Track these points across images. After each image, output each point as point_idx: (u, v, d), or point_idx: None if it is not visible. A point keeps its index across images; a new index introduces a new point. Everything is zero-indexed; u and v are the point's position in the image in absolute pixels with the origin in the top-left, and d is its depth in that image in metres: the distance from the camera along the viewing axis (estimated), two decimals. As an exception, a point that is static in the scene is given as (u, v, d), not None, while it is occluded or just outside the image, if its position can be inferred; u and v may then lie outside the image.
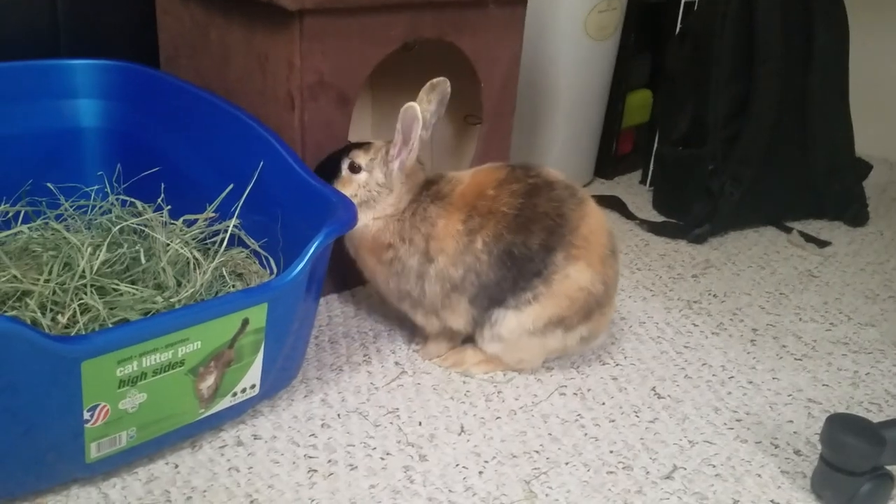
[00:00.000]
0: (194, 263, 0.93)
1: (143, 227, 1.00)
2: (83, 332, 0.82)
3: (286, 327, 0.81)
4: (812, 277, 1.36)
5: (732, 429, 0.94)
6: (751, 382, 1.04)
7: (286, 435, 0.86)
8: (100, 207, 1.10)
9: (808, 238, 1.50)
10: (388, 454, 0.85)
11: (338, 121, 1.07)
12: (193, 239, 0.99)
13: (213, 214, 1.01)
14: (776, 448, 0.91)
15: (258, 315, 0.77)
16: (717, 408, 0.98)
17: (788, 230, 1.54)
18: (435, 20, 1.11)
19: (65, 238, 0.96)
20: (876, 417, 0.96)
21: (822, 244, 1.49)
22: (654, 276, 1.33)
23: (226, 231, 0.97)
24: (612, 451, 0.88)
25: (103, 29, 1.26)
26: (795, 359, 1.10)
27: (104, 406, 0.69)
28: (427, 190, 0.97)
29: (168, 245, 0.94)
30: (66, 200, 1.08)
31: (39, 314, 0.82)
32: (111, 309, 0.86)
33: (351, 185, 0.97)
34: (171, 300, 0.88)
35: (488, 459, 0.85)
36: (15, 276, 0.86)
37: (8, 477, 0.70)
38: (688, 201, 1.51)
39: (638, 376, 1.03)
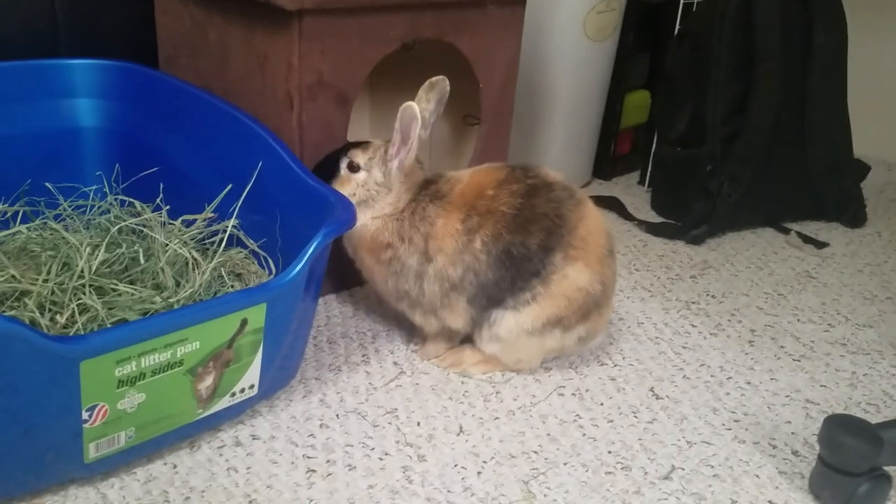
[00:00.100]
0: (193, 263, 0.93)
1: (141, 228, 1.00)
2: (82, 333, 0.82)
3: (285, 327, 0.81)
4: (810, 278, 1.37)
5: (730, 429, 0.94)
6: (749, 383, 1.04)
7: (285, 435, 0.86)
8: (98, 207, 1.10)
9: (806, 239, 1.50)
10: (386, 454, 0.85)
11: (336, 121, 1.07)
12: (192, 239, 0.99)
13: (212, 214, 1.01)
14: (774, 448, 0.91)
15: (257, 315, 0.77)
16: (716, 408, 0.98)
17: (786, 231, 1.54)
18: (434, 20, 1.11)
19: (63, 238, 0.96)
20: (874, 418, 0.96)
21: (820, 245, 1.49)
22: (652, 276, 1.33)
23: (224, 231, 0.97)
24: (610, 452, 0.88)
25: (102, 29, 1.26)
26: (793, 359, 1.10)
27: (103, 406, 0.69)
28: (426, 189, 0.97)
29: (167, 245, 0.94)
30: (65, 200, 1.08)
31: (38, 314, 0.82)
32: (110, 309, 0.86)
33: (349, 185, 0.97)
34: (170, 300, 0.88)
35: (487, 460, 0.85)
36: (13, 276, 0.86)
37: (7, 476, 0.70)
38: (686, 202, 1.51)
39: (636, 377, 1.03)
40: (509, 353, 0.98)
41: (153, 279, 0.92)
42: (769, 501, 0.83)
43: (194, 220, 1.01)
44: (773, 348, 1.13)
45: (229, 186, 1.00)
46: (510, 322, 0.94)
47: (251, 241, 0.99)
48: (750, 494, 0.83)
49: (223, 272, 0.95)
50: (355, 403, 0.93)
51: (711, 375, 1.05)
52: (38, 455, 0.69)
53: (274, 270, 0.97)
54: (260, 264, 0.99)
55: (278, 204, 0.96)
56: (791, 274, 1.38)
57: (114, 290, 0.88)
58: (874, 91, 1.96)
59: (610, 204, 1.61)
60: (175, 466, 0.80)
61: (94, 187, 1.12)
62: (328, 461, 0.83)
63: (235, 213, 0.98)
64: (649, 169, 1.73)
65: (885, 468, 0.81)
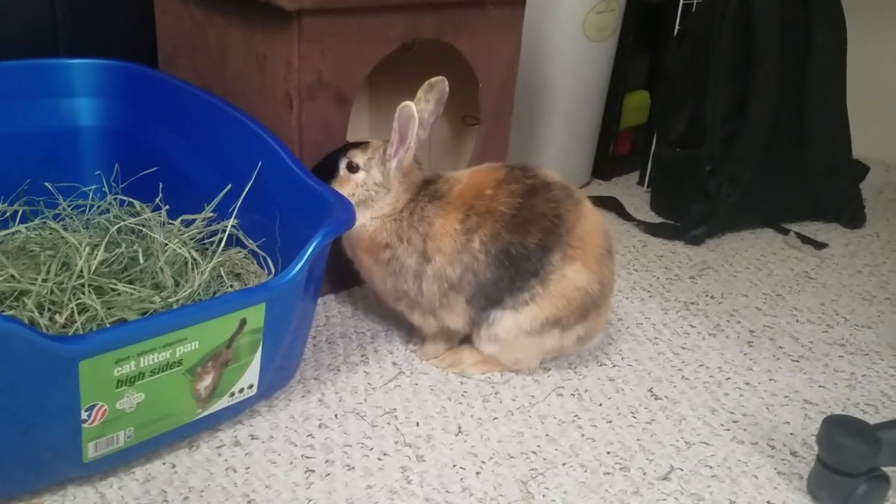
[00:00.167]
0: (192, 263, 0.93)
1: (140, 227, 0.99)
2: (81, 332, 0.82)
3: (284, 327, 0.81)
4: (809, 279, 1.37)
5: (729, 430, 0.94)
6: (747, 384, 1.04)
7: (283, 435, 0.86)
8: (98, 207, 1.10)
9: (805, 240, 1.50)
10: (385, 454, 0.85)
11: (336, 121, 1.07)
12: (191, 239, 0.99)
13: (211, 214, 1.01)
14: (773, 449, 0.91)
15: (256, 315, 0.77)
16: (714, 409, 0.98)
17: (785, 232, 1.54)
18: (433, 20, 1.11)
19: (62, 238, 0.96)
20: (872, 419, 0.96)
21: (819, 246, 1.49)
22: (651, 277, 1.34)
23: (224, 231, 0.97)
24: (609, 452, 0.88)
25: (102, 28, 1.26)
26: (792, 360, 1.10)
27: (101, 406, 0.69)
28: (425, 190, 0.97)
29: (166, 245, 0.94)
30: (64, 200, 1.08)
31: (37, 314, 0.82)
32: (109, 309, 0.86)
33: (348, 185, 0.97)
34: (169, 300, 0.88)
35: (485, 460, 0.85)
36: (12, 276, 0.86)
37: (6, 476, 0.70)
38: (685, 202, 1.51)
39: (635, 377, 1.03)
40: (508, 354, 0.98)
41: (152, 279, 0.92)
42: (767, 502, 0.83)
43: (193, 220, 1.01)
44: (772, 349, 1.13)
45: (228, 186, 1.00)
46: (509, 322, 0.94)
47: (250, 241, 0.99)
48: (748, 495, 0.83)
49: (222, 272, 0.95)
50: (354, 403, 0.93)
51: (710, 376, 1.05)
52: (36, 454, 0.69)
53: (273, 270, 0.97)
54: (259, 264, 0.99)
55: (277, 204, 0.96)
56: (790, 274, 1.38)
57: (113, 289, 0.88)
58: (873, 92, 1.96)
59: (609, 204, 1.61)
60: (174, 466, 0.80)
61: (94, 187, 1.12)
62: (327, 461, 0.83)
63: (235, 212, 0.98)
64: (648, 169, 1.73)
65: (884, 469, 0.81)
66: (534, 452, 0.87)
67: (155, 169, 1.08)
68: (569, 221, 0.93)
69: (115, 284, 0.89)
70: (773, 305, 1.26)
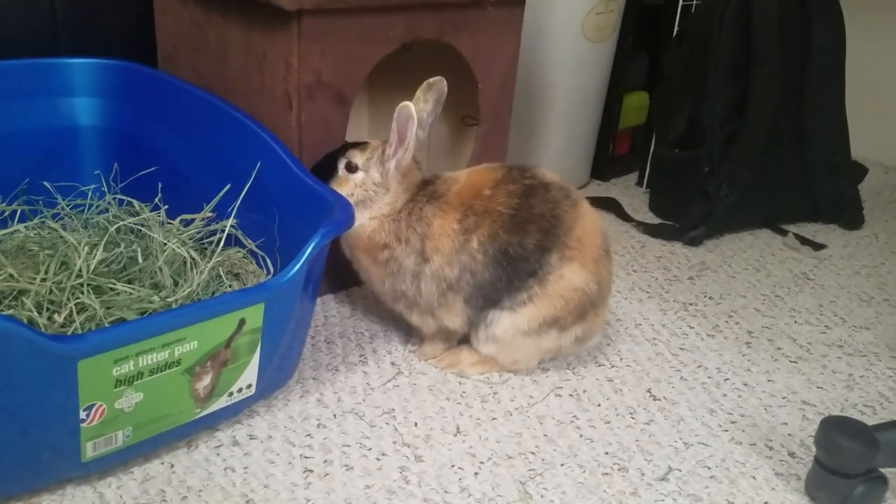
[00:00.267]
0: (191, 263, 0.93)
1: (139, 227, 0.99)
2: (79, 332, 0.82)
3: (283, 327, 0.81)
4: (807, 280, 1.37)
5: (727, 431, 0.94)
6: (746, 384, 1.04)
7: (282, 435, 0.86)
8: (97, 206, 1.10)
9: (804, 241, 1.51)
10: (383, 454, 0.85)
11: (335, 121, 1.07)
12: (190, 238, 0.99)
13: (210, 214, 1.01)
14: (771, 450, 0.91)
15: (255, 315, 0.77)
16: (712, 410, 0.98)
17: (784, 233, 1.54)
18: (433, 21, 1.11)
19: (61, 237, 0.96)
20: (870, 420, 0.96)
21: (818, 247, 1.50)
22: (650, 277, 1.34)
23: (223, 231, 0.97)
24: (607, 453, 0.88)
25: (102, 28, 1.26)
26: (790, 361, 1.11)
27: (100, 405, 0.69)
28: (423, 190, 0.97)
29: (165, 244, 0.94)
30: (63, 199, 1.08)
31: (36, 313, 0.82)
32: (108, 308, 0.86)
33: (347, 185, 0.97)
34: (168, 300, 0.88)
35: (484, 460, 0.85)
36: (11, 275, 0.86)
37: (4, 475, 0.70)
38: (684, 203, 1.51)
39: (633, 378, 1.04)
40: (506, 354, 0.98)
41: (151, 278, 0.92)
42: (765, 503, 0.83)
43: (193, 220, 1.01)
44: (770, 350, 1.13)
45: (228, 186, 1.00)
46: (506, 322, 0.94)
47: (249, 241, 0.99)
48: (746, 496, 0.84)
49: (221, 272, 0.95)
50: (353, 403, 0.93)
51: (708, 377, 1.05)
52: (35, 454, 0.70)
53: (272, 270, 0.97)
54: (258, 264, 0.99)
55: (277, 204, 0.96)
56: (788, 276, 1.38)
57: (112, 289, 0.88)
58: (872, 93, 1.96)
59: (608, 205, 1.61)
60: (172, 466, 0.80)
61: (93, 186, 1.12)
62: (325, 461, 0.83)
63: (234, 212, 0.98)
64: (647, 170, 1.73)
65: (881, 470, 0.81)
66: (532, 453, 0.87)
67: (154, 168, 1.08)
68: (566, 222, 0.93)
69: (114, 284, 0.89)
70: (772, 306, 1.26)
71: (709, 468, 0.87)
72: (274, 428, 0.87)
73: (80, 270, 0.88)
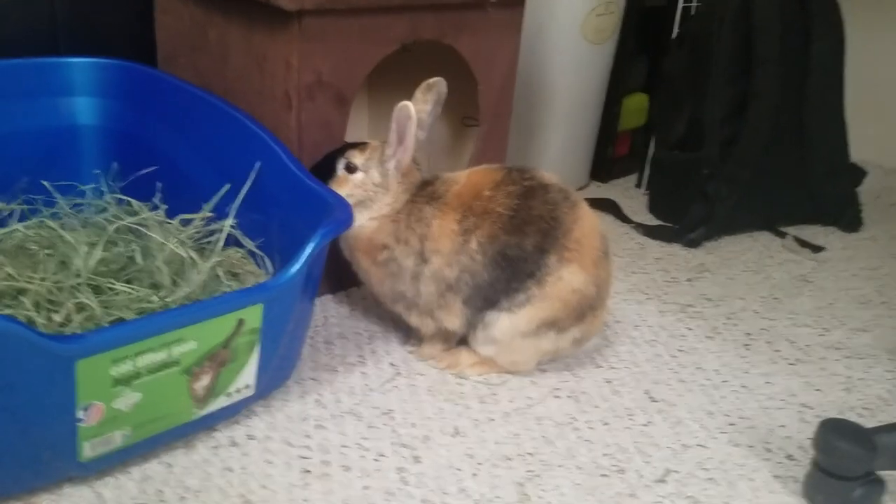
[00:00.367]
0: (190, 263, 0.93)
1: (139, 227, 0.99)
2: (78, 332, 0.82)
3: (281, 328, 0.81)
4: (806, 282, 1.37)
5: (725, 433, 0.94)
6: (744, 387, 1.04)
7: (280, 435, 0.86)
8: (96, 206, 1.10)
9: (803, 243, 1.51)
10: (382, 455, 0.85)
11: (335, 121, 1.07)
12: (189, 238, 0.99)
13: (210, 214, 1.01)
14: (769, 452, 0.91)
15: (254, 315, 0.77)
16: (711, 412, 0.98)
17: (783, 235, 1.54)
18: (434, 21, 1.11)
19: (60, 236, 0.96)
20: (868, 422, 0.96)
21: (817, 249, 1.50)
22: (648, 279, 1.34)
23: (222, 231, 0.97)
24: (605, 455, 0.88)
25: (102, 28, 1.26)
26: (789, 363, 1.11)
27: (98, 405, 0.69)
28: (423, 190, 0.97)
29: (164, 244, 0.94)
30: (63, 199, 1.08)
31: (34, 313, 0.82)
32: (106, 308, 0.86)
33: (347, 185, 0.97)
34: (167, 300, 0.88)
35: (482, 461, 0.85)
36: (10, 275, 0.86)
37: (2, 474, 0.70)
38: (683, 205, 1.51)
39: (632, 379, 1.04)
40: (504, 355, 0.98)
41: (150, 278, 0.92)
42: (763, 505, 0.83)
43: (192, 220, 1.01)
44: (769, 352, 1.13)
45: (227, 186, 1.00)
46: (505, 323, 0.94)
47: (249, 241, 0.99)
48: (744, 498, 0.84)
49: (220, 272, 0.95)
50: (351, 404, 0.93)
51: (707, 379, 1.05)
52: (33, 453, 0.69)
53: (271, 270, 0.97)
54: (257, 264, 0.99)
55: (276, 204, 0.96)
56: (787, 278, 1.38)
57: (111, 289, 0.88)
58: (871, 96, 1.96)
59: (607, 206, 1.61)
60: (170, 466, 0.80)
61: (92, 186, 1.12)
62: (323, 462, 0.83)
63: (233, 212, 0.98)
64: (647, 172, 1.73)
65: (880, 473, 0.81)
66: (530, 454, 0.87)
67: (154, 168, 1.08)
68: (565, 223, 0.93)
69: (113, 284, 0.89)
70: (771, 309, 1.26)
71: (707, 470, 0.87)
72: (272, 428, 0.87)
73: (79, 270, 0.88)
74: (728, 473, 0.87)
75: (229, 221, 0.98)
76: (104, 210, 1.08)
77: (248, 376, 0.81)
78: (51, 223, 1.01)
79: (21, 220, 1.04)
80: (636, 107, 1.77)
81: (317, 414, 0.91)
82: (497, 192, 0.94)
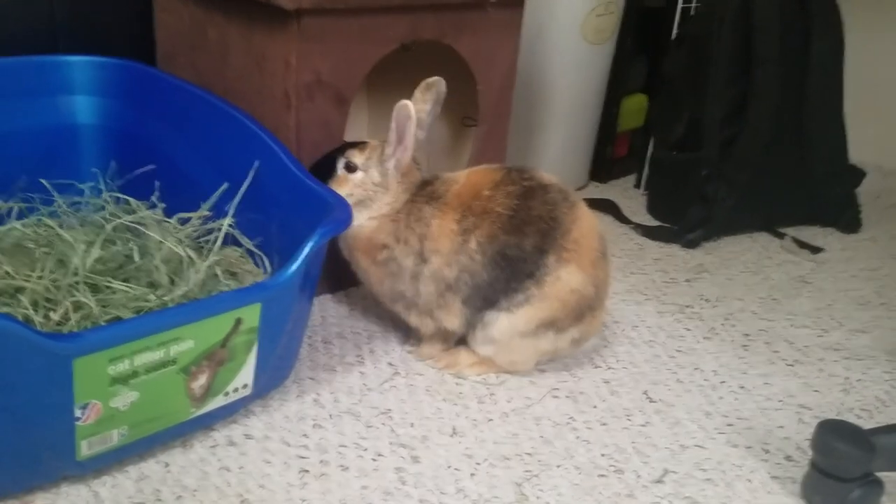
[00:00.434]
0: (188, 262, 0.93)
1: (137, 225, 0.99)
2: (75, 330, 0.82)
3: (280, 327, 0.81)
4: (805, 283, 1.37)
5: (723, 433, 0.94)
6: (742, 387, 1.04)
7: (278, 435, 0.86)
8: (94, 204, 1.09)
9: (802, 244, 1.51)
10: (380, 455, 0.85)
11: (334, 120, 1.07)
12: (187, 237, 0.99)
13: (208, 213, 1.01)
14: (767, 453, 0.91)
15: (251, 315, 0.76)
16: (709, 412, 0.98)
17: (782, 236, 1.54)
18: (434, 21, 1.11)
19: (58, 235, 0.96)
20: (866, 424, 0.96)
21: (815, 250, 1.50)
22: (647, 280, 1.34)
23: (220, 230, 0.97)
24: (603, 455, 0.88)
25: (101, 26, 1.26)
26: (787, 364, 1.11)
27: (96, 404, 0.69)
28: (422, 190, 0.97)
29: (162, 243, 0.94)
30: (61, 197, 1.08)
31: (32, 311, 0.82)
32: (104, 307, 0.85)
33: (347, 185, 0.97)
34: (164, 298, 0.88)
35: (480, 461, 0.85)
36: (8, 273, 0.86)
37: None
38: (682, 206, 1.51)
39: (630, 380, 1.03)
40: (503, 355, 0.98)
41: (148, 277, 0.92)
42: (761, 506, 0.83)
43: (190, 218, 1.00)
44: (767, 353, 1.13)
45: (225, 185, 1.00)
46: (504, 323, 0.94)
47: (247, 240, 0.99)
48: (742, 499, 0.83)
49: (218, 271, 0.94)
50: (349, 404, 0.93)
51: (705, 379, 1.05)
52: (30, 452, 0.69)
53: (270, 270, 0.97)
54: (256, 263, 0.99)
55: (275, 203, 0.96)
56: (786, 279, 1.38)
57: (108, 287, 0.88)
58: (871, 97, 1.96)
59: (606, 207, 1.61)
60: (167, 465, 0.80)
61: (90, 184, 1.12)
62: (321, 461, 0.83)
63: (231, 211, 0.98)
64: (645, 172, 1.73)
65: (878, 474, 0.81)
66: (528, 454, 0.87)
67: (152, 167, 1.07)
68: (564, 224, 0.93)
69: (111, 282, 0.88)
70: (769, 309, 1.26)
71: (705, 471, 0.87)
72: (270, 428, 0.87)
73: (77, 268, 0.88)
74: (726, 474, 0.87)
75: (227, 220, 0.98)
76: (102, 208, 1.08)
77: (245, 376, 0.81)
78: (49, 221, 1.00)
79: (19, 218, 1.04)
80: (635, 107, 1.77)
81: (315, 414, 0.90)
82: (496, 191, 0.94)
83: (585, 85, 1.59)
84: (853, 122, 1.60)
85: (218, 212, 1.00)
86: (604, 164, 1.77)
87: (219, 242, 0.96)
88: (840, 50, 1.54)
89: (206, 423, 0.83)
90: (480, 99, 1.22)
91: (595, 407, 0.97)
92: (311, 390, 0.95)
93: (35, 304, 0.83)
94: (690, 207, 1.49)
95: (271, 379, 0.88)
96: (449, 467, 0.84)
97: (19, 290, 0.85)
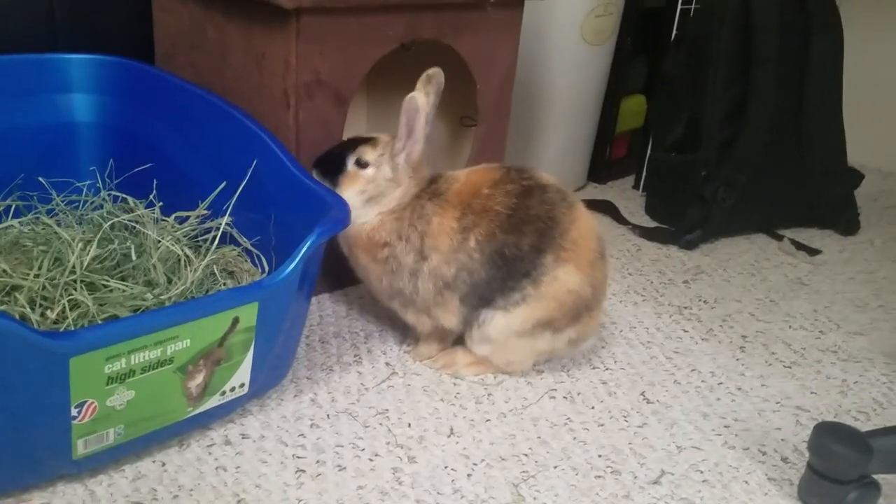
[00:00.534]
0: (185, 261, 0.93)
1: (134, 224, 0.99)
2: (72, 329, 0.82)
3: (277, 327, 0.81)
4: (802, 285, 1.37)
5: (720, 435, 0.94)
6: (739, 389, 1.04)
7: (275, 434, 0.86)
8: (91, 203, 1.09)
9: (799, 246, 1.51)
10: (376, 455, 0.85)
11: (333, 120, 1.07)
12: (185, 236, 0.98)
13: (206, 212, 1.00)
14: (764, 455, 0.91)
15: (248, 314, 0.76)
16: (706, 413, 0.98)
17: (780, 237, 1.54)
18: (433, 21, 1.11)
19: (55, 233, 0.96)
20: (864, 426, 0.96)
21: (813, 252, 1.50)
22: (645, 281, 1.34)
23: (218, 229, 0.97)
24: (600, 456, 0.88)
25: (100, 25, 1.26)
26: (784, 366, 1.11)
27: (92, 403, 0.69)
28: (427, 187, 0.97)
29: (159, 242, 0.93)
30: (58, 195, 1.08)
31: (28, 309, 0.82)
32: (101, 305, 0.85)
33: (358, 181, 0.96)
34: (161, 297, 0.88)
35: (477, 462, 0.85)
36: (4, 271, 0.86)
37: (-6, 471, 0.70)
38: (680, 207, 1.51)
39: (627, 381, 1.03)
40: (500, 355, 0.98)
41: (145, 276, 0.92)
42: (758, 508, 0.83)
43: (187, 217, 1.00)
44: (765, 354, 1.13)
45: (223, 184, 1.00)
46: (500, 322, 0.94)
47: (244, 239, 0.99)
48: (739, 500, 0.83)
49: (216, 270, 0.94)
50: (346, 404, 0.93)
51: (702, 381, 1.05)
52: (26, 450, 0.69)
53: (267, 269, 0.97)
54: (253, 263, 0.98)
55: (273, 202, 0.96)
56: (783, 280, 1.38)
57: (105, 286, 0.88)
58: (869, 99, 1.97)
59: (604, 208, 1.61)
60: (164, 464, 0.80)
61: (88, 182, 1.12)
62: (318, 461, 0.83)
63: (229, 210, 0.98)
64: (644, 173, 1.73)
65: (874, 476, 0.81)
66: (525, 455, 0.87)
67: (150, 165, 1.07)
68: (563, 224, 0.93)
69: (108, 281, 0.88)
70: (767, 311, 1.26)
71: (702, 472, 0.87)
72: (267, 427, 0.87)
73: (74, 267, 0.88)
74: (722, 475, 0.87)
75: (225, 219, 0.97)
76: (100, 207, 1.08)
77: (242, 375, 0.81)
78: (46, 219, 1.00)
79: (17, 216, 1.03)
80: (634, 108, 1.77)
81: (312, 413, 0.90)
82: (496, 190, 0.94)
83: (584, 85, 1.60)
84: (852, 124, 1.60)
85: (216, 210, 1.00)
86: (602, 165, 1.77)
87: (216, 241, 0.96)
88: (839, 50, 1.54)
89: (203, 422, 0.83)
90: (479, 99, 1.22)
91: (592, 408, 0.97)
92: (309, 390, 0.94)
93: (32, 303, 0.83)
94: (688, 209, 1.49)
95: (268, 378, 0.88)
96: (446, 468, 0.84)
97: (16, 288, 0.85)
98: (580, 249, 0.93)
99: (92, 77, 1.13)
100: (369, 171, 0.96)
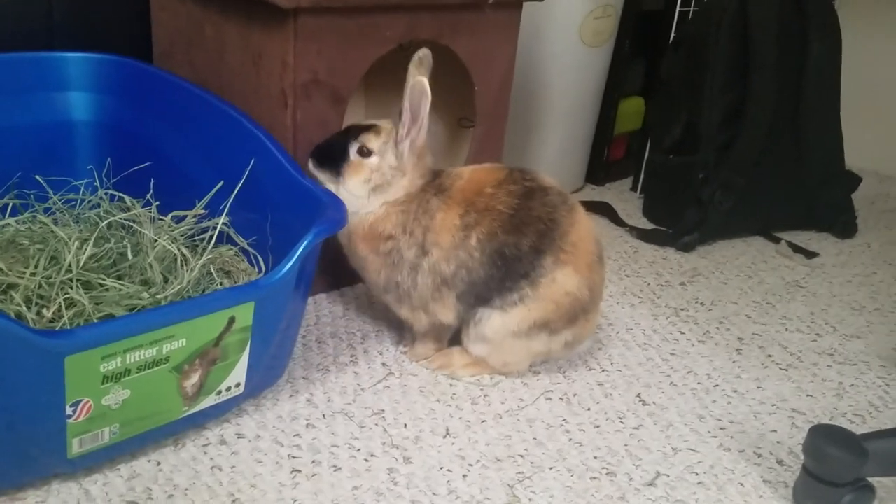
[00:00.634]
0: (182, 260, 0.93)
1: (131, 223, 0.99)
2: (68, 327, 0.82)
3: (273, 326, 0.81)
4: (799, 288, 1.37)
5: (716, 437, 0.94)
6: (735, 391, 1.04)
7: (270, 434, 0.86)
8: (88, 201, 1.09)
9: (796, 248, 1.51)
10: (372, 456, 0.84)
11: (331, 119, 1.07)
12: (182, 235, 0.98)
13: (203, 211, 1.00)
14: (759, 457, 0.91)
15: (245, 314, 0.76)
16: (702, 416, 0.98)
17: (777, 240, 1.55)
18: (431, 22, 1.11)
19: (52, 232, 0.96)
20: (859, 429, 0.96)
21: (810, 255, 1.50)
22: (642, 282, 1.34)
23: (214, 228, 0.97)
24: (595, 457, 0.88)
25: (98, 24, 1.25)
26: (780, 368, 1.11)
27: (87, 402, 0.69)
28: (433, 181, 0.96)
29: (156, 241, 0.93)
30: (55, 194, 1.07)
31: (24, 308, 0.81)
32: (97, 304, 0.85)
33: (363, 170, 0.94)
34: (158, 297, 0.88)
35: (472, 463, 0.85)
36: (1, 269, 0.86)
37: (-11, 470, 0.70)
38: (678, 209, 1.51)
39: (624, 383, 1.03)
40: (496, 355, 0.98)
41: (141, 275, 0.92)
42: (753, 510, 0.83)
43: (184, 217, 1.00)
44: (761, 357, 1.13)
45: (220, 183, 1.00)
46: (496, 322, 0.94)
47: (241, 239, 0.99)
48: (734, 502, 0.84)
49: (212, 269, 0.94)
50: (342, 404, 0.93)
51: (698, 383, 1.05)
52: (21, 449, 0.69)
53: (264, 269, 0.96)
54: (250, 262, 0.98)
55: (270, 202, 0.95)
56: (780, 283, 1.38)
57: (101, 285, 0.88)
58: (867, 102, 1.97)
59: (602, 209, 1.61)
60: (159, 464, 0.80)
61: (85, 181, 1.11)
62: (313, 462, 0.83)
63: (226, 210, 0.98)
64: (642, 175, 1.73)
65: (870, 479, 0.81)
66: (521, 456, 0.87)
67: (147, 164, 1.07)
68: (563, 226, 0.93)
69: (104, 280, 0.88)
70: (763, 314, 1.26)
71: (697, 474, 0.87)
72: (262, 427, 0.87)
73: (70, 265, 0.88)
74: (718, 478, 0.87)
75: (222, 219, 0.97)
76: (97, 206, 1.07)
77: (238, 375, 0.81)
78: (43, 218, 1.00)
79: (13, 214, 1.03)
80: (633, 110, 1.77)
81: (307, 413, 0.90)
82: (499, 190, 0.94)
83: (583, 87, 1.60)
84: (850, 127, 1.60)
85: (213, 210, 1.00)
86: (600, 167, 1.77)
87: (213, 241, 0.96)
88: (837, 52, 1.54)
89: (199, 421, 0.83)
90: (478, 100, 1.22)
91: (588, 409, 0.97)
92: (305, 390, 0.94)
93: (28, 301, 0.83)
94: (686, 211, 1.50)
95: (264, 378, 0.88)
96: (441, 468, 0.84)
97: (12, 286, 0.85)
98: (579, 252, 0.93)
99: (89, 75, 1.12)
100: (373, 159, 0.94)
